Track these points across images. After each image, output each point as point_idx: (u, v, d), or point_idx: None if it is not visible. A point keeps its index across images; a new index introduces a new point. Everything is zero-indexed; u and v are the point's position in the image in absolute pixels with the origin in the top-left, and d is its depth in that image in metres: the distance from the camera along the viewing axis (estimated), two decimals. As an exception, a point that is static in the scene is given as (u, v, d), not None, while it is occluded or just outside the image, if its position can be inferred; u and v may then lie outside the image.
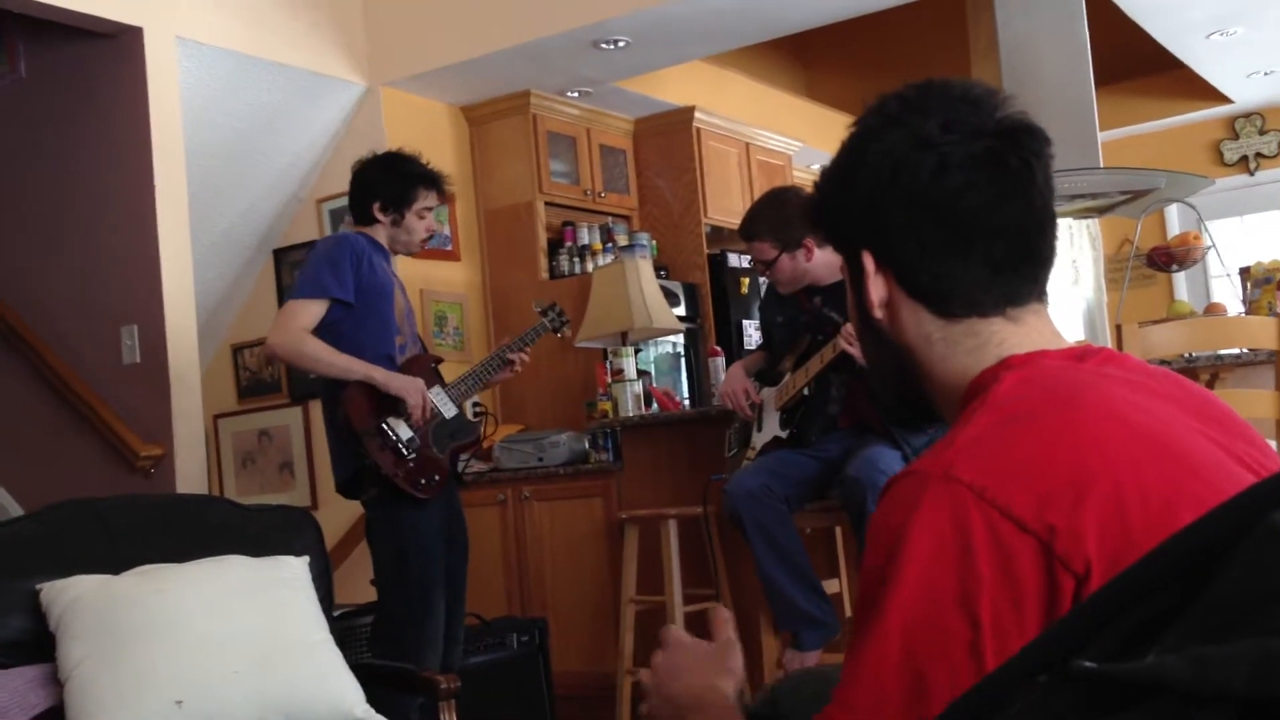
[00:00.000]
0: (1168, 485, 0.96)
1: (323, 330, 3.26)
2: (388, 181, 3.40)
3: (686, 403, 5.58)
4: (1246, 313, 3.93)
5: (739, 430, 3.72)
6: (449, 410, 3.38)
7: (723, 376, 4.78)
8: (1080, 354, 1.10)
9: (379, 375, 3.24)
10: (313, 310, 3.24)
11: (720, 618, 1.26)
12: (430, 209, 3.45)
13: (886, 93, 1.15)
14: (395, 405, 3.26)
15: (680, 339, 5.69)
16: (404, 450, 3.25)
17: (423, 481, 3.27)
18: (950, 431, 1.05)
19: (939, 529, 0.94)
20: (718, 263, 6.00)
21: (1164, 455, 0.99)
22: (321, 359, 3.25)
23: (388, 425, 3.25)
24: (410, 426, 3.27)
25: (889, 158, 1.10)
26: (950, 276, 1.10)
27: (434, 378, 3.43)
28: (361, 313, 3.29)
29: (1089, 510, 0.93)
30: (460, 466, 3.50)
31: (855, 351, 3.12)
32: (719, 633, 1.25)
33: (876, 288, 1.14)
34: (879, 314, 1.15)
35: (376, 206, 3.39)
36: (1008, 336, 1.11)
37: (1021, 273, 1.11)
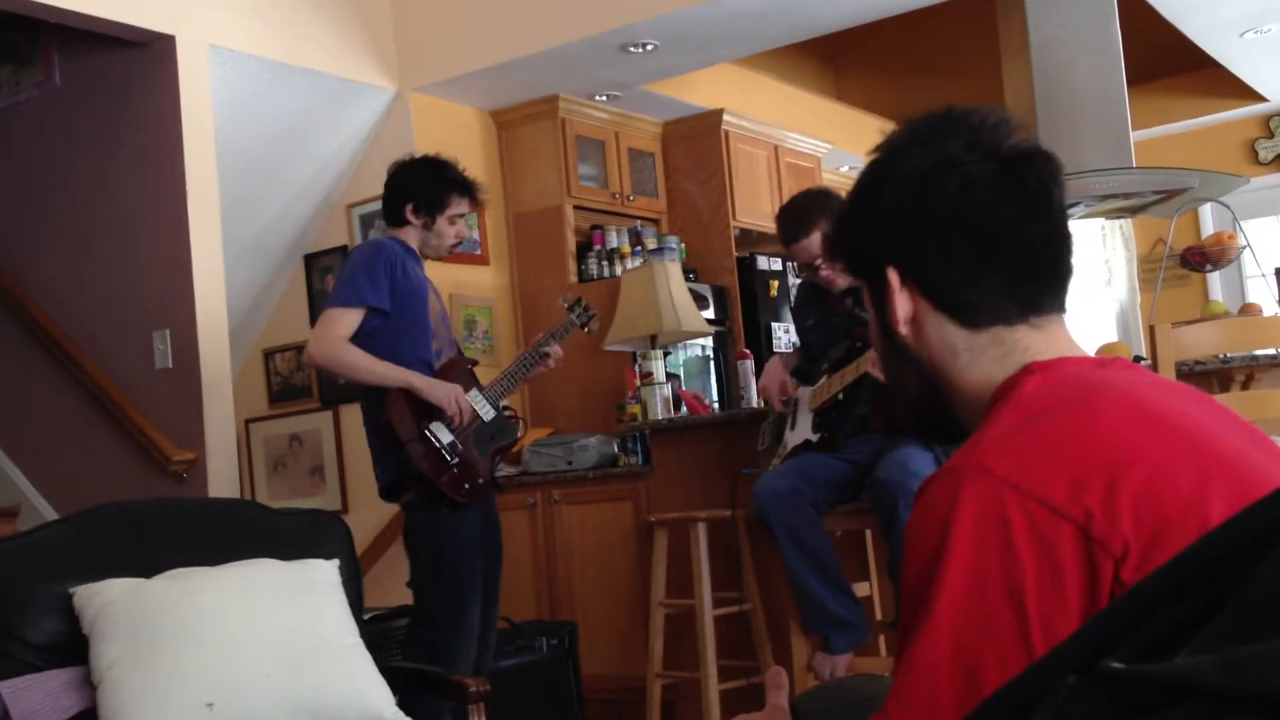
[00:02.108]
0: (1197, 474, 0.99)
1: (361, 338, 3.29)
2: (422, 184, 3.42)
3: (716, 406, 5.57)
4: (1282, 313, 3.88)
5: (774, 424, 3.71)
6: (488, 413, 3.40)
7: (752, 379, 4.78)
8: (1101, 362, 1.14)
9: (418, 381, 3.26)
10: (350, 318, 3.27)
11: (774, 682, 1.27)
12: (461, 215, 3.47)
13: (909, 117, 1.20)
14: (436, 410, 3.28)
15: (709, 342, 5.68)
16: (447, 456, 3.27)
17: (466, 486, 3.29)
18: (978, 431, 1.07)
19: (978, 521, 0.97)
20: (747, 265, 5.99)
21: (1191, 446, 1.01)
22: (361, 366, 3.28)
23: (430, 431, 3.27)
24: (451, 431, 3.29)
25: (916, 176, 1.15)
26: (977, 288, 1.14)
27: (471, 380, 3.44)
28: (398, 319, 3.31)
29: (1123, 494, 0.95)
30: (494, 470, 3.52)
31: (878, 374, 3.12)
32: (770, 695, 1.27)
33: (902, 303, 1.17)
34: (904, 330, 1.17)
35: (409, 208, 3.41)
36: (1032, 344, 1.14)
37: (1043, 285, 1.15)
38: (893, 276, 1.16)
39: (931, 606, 0.97)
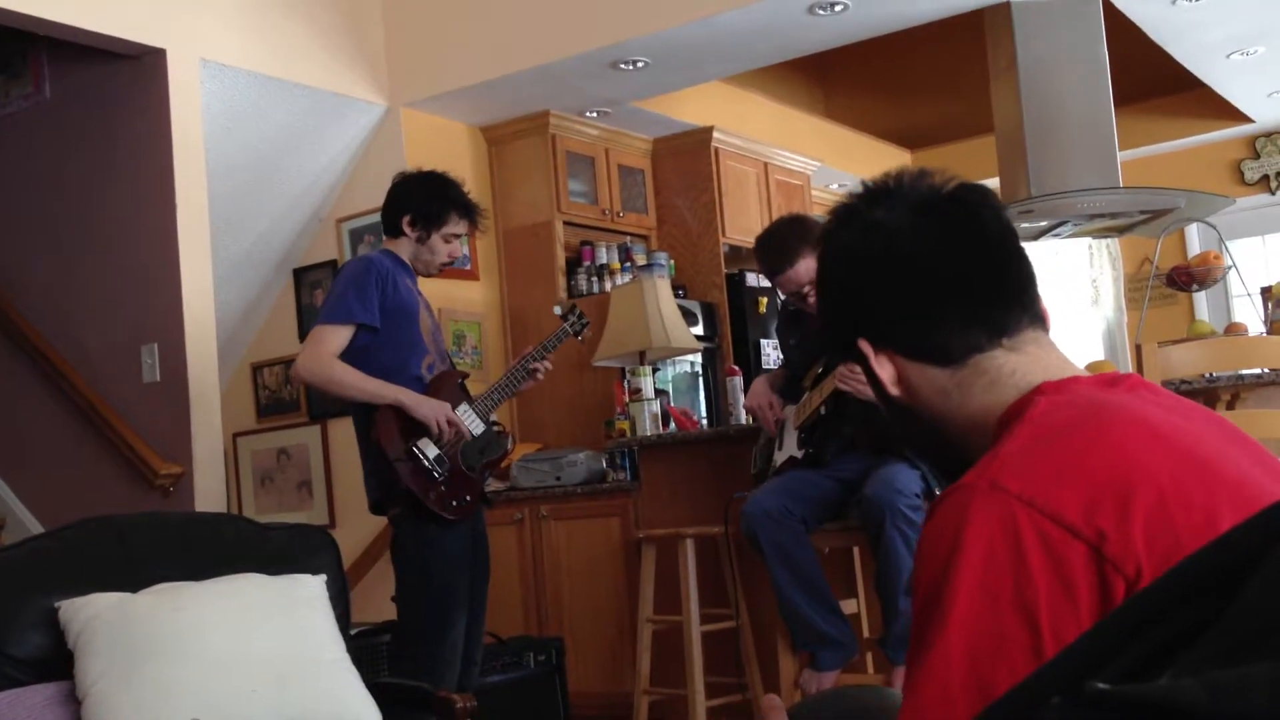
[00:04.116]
0: (1208, 496, 0.99)
1: (351, 354, 3.28)
2: (422, 199, 3.42)
3: (704, 422, 5.57)
4: (1268, 333, 3.91)
5: (764, 448, 3.71)
6: (477, 427, 3.39)
7: (741, 395, 4.79)
8: (1111, 380, 1.14)
9: (405, 399, 3.26)
10: (340, 335, 3.27)
11: (771, 705, 1.29)
12: (458, 235, 3.47)
13: (834, 206, 1.28)
14: (425, 427, 3.28)
15: (698, 358, 5.69)
16: (434, 473, 3.27)
17: (454, 503, 3.29)
18: (992, 449, 1.07)
19: (990, 538, 0.97)
20: (736, 282, 6.00)
21: (1202, 468, 1.02)
22: (350, 384, 3.27)
23: (418, 449, 3.26)
24: (439, 448, 3.29)
25: (846, 251, 1.23)
26: (937, 328, 1.17)
27: (461, 395, 3.44)
28: (389, 335, 3.30)
29: (1136, 515, 0.96)
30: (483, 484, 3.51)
31: (849, 388, 3.13)
32: (773, 717, 1.29)
33: (883, 368, 1.21)
34: (895, 391, 1.21)
35: (406, 220, 3.41)
36: (1017, 366, 1.16)
37: (1000, 306, 1.18)
38: (865, 347, 1.21)
39: (943, 622, 0.97)
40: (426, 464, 3.26)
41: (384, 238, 3.52)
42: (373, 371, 3.28)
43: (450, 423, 3.28)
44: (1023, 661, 0.95)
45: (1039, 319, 1.19)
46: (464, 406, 3.38)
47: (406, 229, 3.41)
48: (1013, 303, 1.18)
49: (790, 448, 3.53)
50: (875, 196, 1.22)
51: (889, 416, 1.27)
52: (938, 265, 1.18)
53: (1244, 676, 0.55)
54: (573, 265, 5.68)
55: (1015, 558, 0.96)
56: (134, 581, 2.53)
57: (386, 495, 3.33)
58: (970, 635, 0.96)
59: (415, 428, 3.27)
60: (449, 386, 3.41)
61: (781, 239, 3.43)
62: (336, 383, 3.29)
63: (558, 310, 3.78)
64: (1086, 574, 0.94)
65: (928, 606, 1.00)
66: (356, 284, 3.28)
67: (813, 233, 3.38)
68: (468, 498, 3.33)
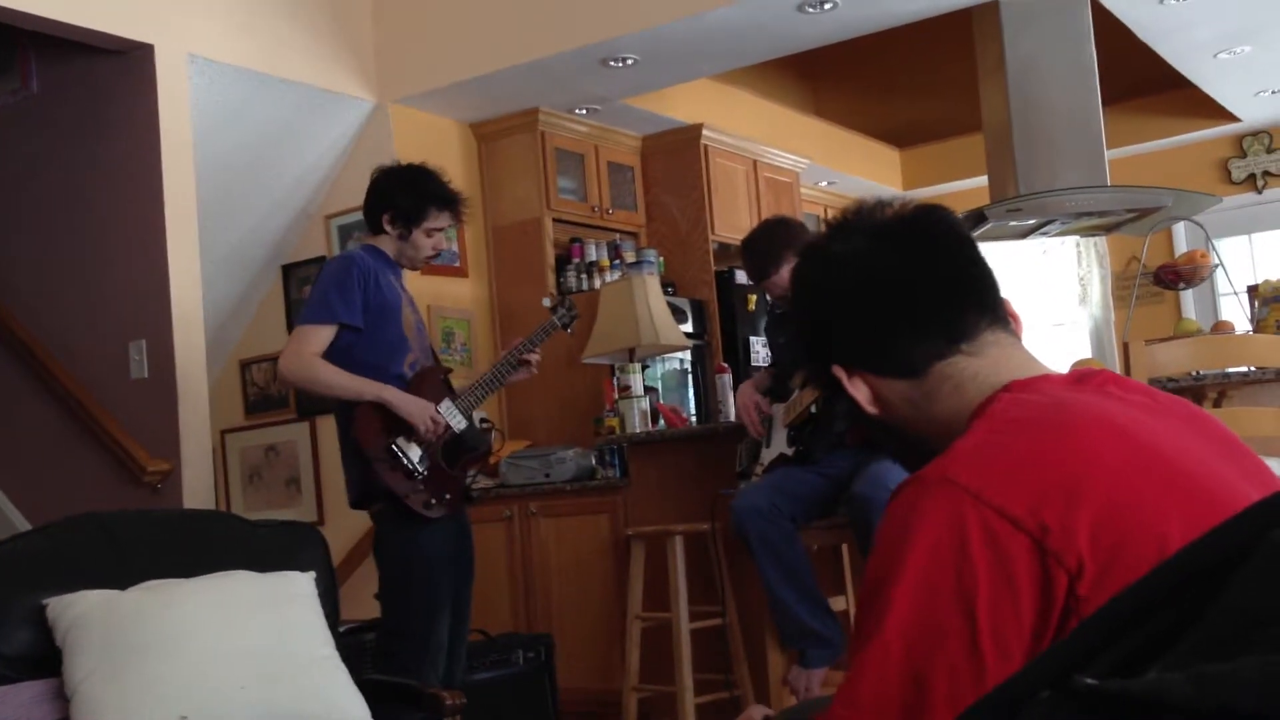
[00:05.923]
0: (1161, 492, 1.01)
1: (334, 353, 3.27)
2: (401, 195, 3.39)
3: (693, 419, 5.57)
4: (1254, 331, 3.92)
5: (749, 445, 3.72)
6: (459, 424, 3.38)
7: (730, 393, 4.80)
8: (1079, 377, 1.17)
9: (390, 396, 3.25)
10: (322, 334, 3.25)
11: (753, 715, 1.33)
12: (440, 229, 3.44)
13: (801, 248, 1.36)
14: (407, 425, 3.27)
15: (687, 355, 5.69)
16: (415, 472, 3.26)
17: (433, 501, 3.27)
18: (953, 443, 1.09)
19: (936, 530, 1.00)
20: (725, 279, 6.00)
21: (1158, 463, 1.03)
22: (333, 383, 3.26)
23: (397, 446, 3.25)
24: (420, 446, 3.28)
25: (809, 282, 1.30)
26: (896, 341, 1.22)
27: (445, 391, 3.42)
28: (371, 334, 3.29)
29: (1082, 510, 0.98)
30: (467, 481, 3.50)
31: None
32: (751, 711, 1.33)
33: (857, 389, 1.25)
34: (873, 409, 1.25)
35: (386, 218, 3.39)
36: (979, 369, 1.19)
37: (951, 309, 1.21)
38: (839, 373, 1.25)
39: (883, 612, 1.00)
40: (406, 462, 3.25)
41: (366, 235, 3.50)
42: (355, 370, 3.27)
43: (434, 420, 3.27)
44: (958, 653, 0.97)
45: (1000, 321, 1.22)
46: (447, 403, 3.36)
47: (387, 227, 3.39)
48: (967, 307, 1.21)
49: (780, 445, 3.53)
50: (835, 231, 1.29)
51: (873, 434, 1.31)
52: (888, 281, 1.22)
53: (1232, 670, 0.55)
54: (562, 262, 5.68)
55: (959, 550, 0.98)
56: (122, 578, 2.53)
57: (367, 493, 3.32)
58: (909, 625, 0.99)
59: (396, 425, 3.26)
60: (431, 383, 3.40)
61: (766, 243, 3.45)
62: (320, 382, 3.28)
63: (546, 302, 3.77)
64: (1029, 567, 0.96)
65: (873, 595, 1.03)
66: (339, 283, 3.27)
67: (797, 236, 3.38)
68: (448, 496, 3.32)
